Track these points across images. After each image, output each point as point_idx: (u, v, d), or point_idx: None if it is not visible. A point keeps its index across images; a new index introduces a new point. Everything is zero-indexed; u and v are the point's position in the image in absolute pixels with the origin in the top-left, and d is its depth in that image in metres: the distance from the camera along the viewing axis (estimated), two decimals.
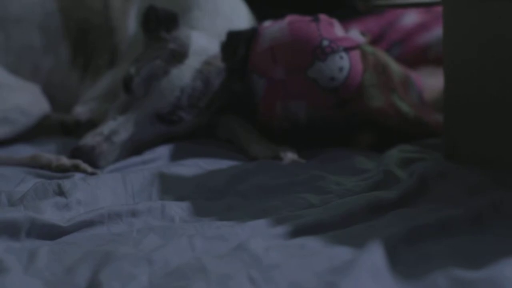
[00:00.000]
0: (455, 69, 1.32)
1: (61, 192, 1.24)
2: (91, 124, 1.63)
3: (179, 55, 1.53)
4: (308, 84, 1.49)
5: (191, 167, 1.40)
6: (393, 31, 1.80)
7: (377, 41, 1.80)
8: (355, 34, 1.54)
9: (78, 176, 1.37)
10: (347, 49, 1.49)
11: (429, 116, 1.56)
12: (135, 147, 1.51)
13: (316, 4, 1.80)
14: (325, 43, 1.48)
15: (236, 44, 1.56)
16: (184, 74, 1.52)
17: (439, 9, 1.81)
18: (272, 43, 1.52)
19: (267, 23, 1.57)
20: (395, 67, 1.57)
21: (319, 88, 1.48)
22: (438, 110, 1.59)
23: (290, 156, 1.46)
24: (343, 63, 1.48)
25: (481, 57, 1.26)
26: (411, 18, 1.81)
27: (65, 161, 1.42)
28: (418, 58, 1.77)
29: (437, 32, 1.77)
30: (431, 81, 1.65)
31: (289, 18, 1.54)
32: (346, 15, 1.80)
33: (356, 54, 1.50)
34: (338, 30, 1.53)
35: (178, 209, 1.21)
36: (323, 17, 1.53)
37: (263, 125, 1.56)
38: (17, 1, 1.71)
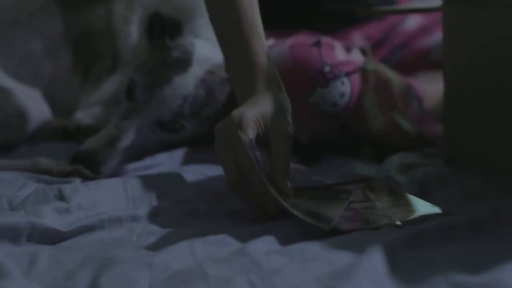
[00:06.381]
0: (455, 72, 1.32)
1: (61, 197, 1.24)
2: (92, 129, 1.63)
3: (182, 63, 1.52)
4: (310, 109, 1.48)
5: (192, 172, 1.40)
6: (395, 35, 1.80)
7: (378, 47, 1.80)
8: (356, 54, 1.53)
9: (78, 181, 1.38)
10: (348, 74, 1.48)
11: (431, 128, 1.55)
12: (136, 153, 1.51)
13: (315, 11, 1.79)
14: (327, 69, 1.47)
15: None
16: (187, 83, 1.51)
17: (440, 13, 1.81)
18: None
19: (269, 42, 1.56)
20: (396, 80, 1.56)
21: (321, 113, 1.48)
22: (439, 117, 1.59)
23: None
24: (344, 89, 1.47)
25: (481, 61, 1.26)
26: (413, 21, 1.81)
27: (66, 166, 1.43)
28: (419, 62, 1.77)
29: (438, 35, 1.77)
30: (432, 88, 1.65)
31: (290, 41, 1.52)
32: (346, 22, 1.80)
33: (357, 77, 1.49)
34: (339, 52, 1.51)
35: (178, 213, 1.21)
36: (324, 41, 1.51)
37: None
38: (18, 6, 1.71)
